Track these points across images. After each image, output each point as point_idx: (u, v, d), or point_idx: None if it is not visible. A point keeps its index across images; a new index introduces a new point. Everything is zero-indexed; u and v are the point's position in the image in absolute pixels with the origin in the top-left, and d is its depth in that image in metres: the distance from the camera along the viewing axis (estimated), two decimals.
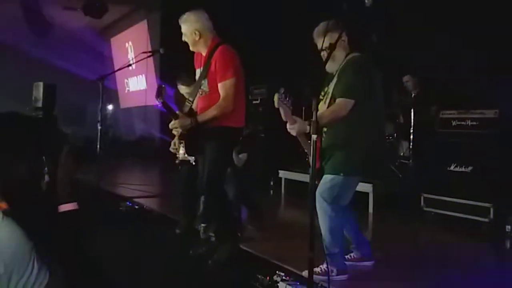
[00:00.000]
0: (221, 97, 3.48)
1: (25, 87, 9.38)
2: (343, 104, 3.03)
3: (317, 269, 3.04)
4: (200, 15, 3.60)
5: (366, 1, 2.68)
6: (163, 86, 3.64)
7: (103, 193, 6.23)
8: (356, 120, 3.06)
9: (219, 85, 3.49)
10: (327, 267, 2.98)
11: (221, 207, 3.65)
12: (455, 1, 5.86)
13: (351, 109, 3.03)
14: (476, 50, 5.51)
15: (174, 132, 3.62)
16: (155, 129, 11.66)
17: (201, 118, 3.51)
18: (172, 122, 3.58)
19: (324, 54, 3.14)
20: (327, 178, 3.08)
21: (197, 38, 3.57)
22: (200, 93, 3.62)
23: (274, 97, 2.66)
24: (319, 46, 3.17)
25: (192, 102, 3.64)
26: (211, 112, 3.49)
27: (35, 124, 1.53)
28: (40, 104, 8.91)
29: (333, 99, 3.12)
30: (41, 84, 9.02)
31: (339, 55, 3.18)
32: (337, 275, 3.13)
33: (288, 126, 2.91)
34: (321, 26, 3.16)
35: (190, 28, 3.57)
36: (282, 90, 2.73)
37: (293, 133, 2.93)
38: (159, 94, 3.53)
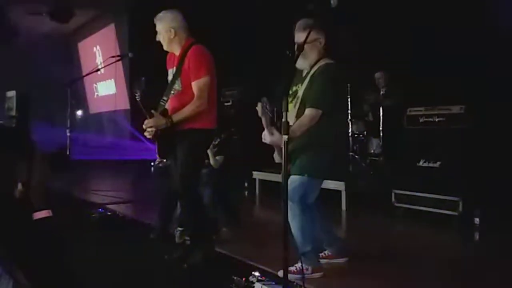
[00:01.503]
0: (195, 96, 3.47)
1: None
2: (313, 115, 3.11)
3: (292, 268, 3.07)
4: (176, 14, 3.62)
5: (331, 2, 2.73)
6: (142, 78, 3.61)
7: (76, 200, 6.14)
8: (321, 124, 3.13)
9: (193, 84, 3.48)
10: (301, 266, 3.01)
11: (195, 209, 3.64)
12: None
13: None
14: (442, 47, 5.66)
15: (147, 132, 3.56)
16: (125, 133, 11.54)
17: (176, 117, 3.48)
18: (147, 121, 3.53)
19: (297, 49, 3.17)
20: (292, 179, 3.13)
21: (172, 36, 3.57)
22: (173, 92, 3.59)
23: (258, 105, 2.80)
24: (296, 39, 3.21)
25: (166, 102, 3.60)
26: (186, 111, 3.47)
27: (6, 133, 1.51)
28: (13, 113, 8.77)
29: (302, 104, 3.18)
30: (13, 92, 8.89)
31: (312, 54, 3.22)
32: (311, 273, 3.17)
33: (263, 134, 3.05)
34: (303, 20, 3.21)
35: (166, 26, 3.57)
36: (264, 99, 2.88)
37: (266, 141, 3.09)
38: (137, 86, 3.51)
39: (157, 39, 3.65)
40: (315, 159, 3.17)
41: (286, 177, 2.63)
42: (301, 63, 3.23)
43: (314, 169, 3.17)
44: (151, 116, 3.49)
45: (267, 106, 2.86)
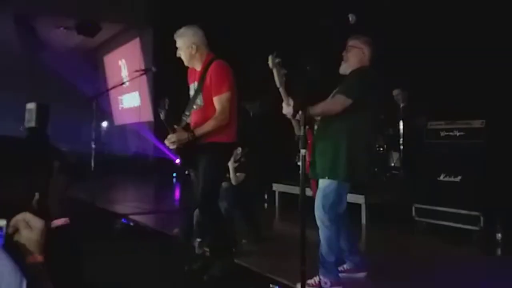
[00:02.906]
0: (217, 111, 3.51)
1: (19, 105, 9.44)
2: (341, 100, 3.11)
3: (310, 281, 3.09)
4: (197, 30, 3.68)
5: (350, 19, 2.80)
6: (166, 99, 3.70)
7: (98, 210, 6.27)
8: (351, 126, 3.14)
9: (215, 99, 3.53)
10: (320, 279, 3.03)
11: (215, 222, 3.67)
12: (443, 16, 6.00)
13: (346, 114, 3.10)
14: (463, 62, 5.64)
15: (170, 144, 3.65)
16: (149, 145, 11.72)
17: (198, 131, 3.53)
18: (170, 136, 3.60)
19: (345, 54, 3.33)
20: (323, 185, 3.15)
21: (193, 52, 3.63)
22: (195, 107, 3.66)
23: (269, 59, 2.81)
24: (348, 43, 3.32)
25: (188, 116, 3.68)
26: (208, 125, 3.52)
27: (24, 145, 1.58)
28: (33, 124, 8.98)
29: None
30: (33, 104, 9.10)
31: (353, 60, 3.29)
32: (330, 286, 3.17)
33: (283, 105, 3.12)
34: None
35: (187, 42, 3.63)
36: (275, 53, 2.87)
37: (285, 112, 3.14)
38: (161, 106, 3.62)
39: (178, 55, 3.71)
40: (348, 162, 3.13)
41: (304, 184, 2.67)
42: (343, 68, 3.33)
43: (349, 173, 3.14)
44: (174, 131, 3.58)
45: (278, 60, 2.86)
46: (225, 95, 3.52)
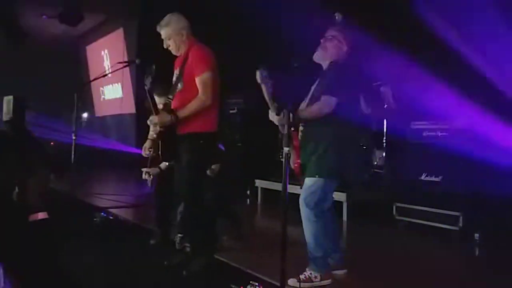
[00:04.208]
0: (200, 91, 3.44)
1: None
2: (327, 101, 3.09)
3: (301, 276, 3.11)
4: (181, 16, 3.62)
5: (336, 17, 2.79)
6: (153, 66, 3.53)
7: (78, 203, 6.18)
8: (337, 124, 3.12)
9: (197, 79, 3.46)
10: (310, 274, 3.15)
11: (199, 215, 3.62)
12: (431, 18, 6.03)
13: (333, 114, 3.08)
14: (446, 63, 5.68)
15: (151, 130, 3.56)
16: (131, 138, 11.59)
17: (181, 113, 3.45)
18: (152, 117, 3.53)
19: (323, 42, 3.26)
20: (308, 182, 3.14)
21: (183, 38, 3.57)
22: (176, 91, 3.58)
23: (256, 73, 2.75)
24: (326, 34, 3.26)
25: (171, 100, 3.59)
26: (191, 106, 3.44)
27: (4, 137, 1.54)
28: (8, 118, 8.86)
29: (314, 98, 3.19)
30: (11, 98, 8.97)
31: (332, 52, 3.25)
32: (320, 280, 3.20)
33: (269, 113, 3.04)
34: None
35: (176, 28, 3.56)
36: (263, 67, 2.81)
37: (273, 120, 3.07)
38: (148, 72, 3.47)
39: (166, 46, 3.63)
40: (334, 160, 3.14)
41: (286, 187, 2.66)
42: (319, 56, 3.27)
43: (334, 171, 3.15)
44: (157, 112, 3.49)
45: (267, 76, 2.79)
46: (206, 75, 3.44)
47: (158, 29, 3.64)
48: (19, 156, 1.53)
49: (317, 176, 3.14)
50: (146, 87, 3.56)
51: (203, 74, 3.45)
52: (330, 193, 3.28)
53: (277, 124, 3.09)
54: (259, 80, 2.81)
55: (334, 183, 3.27)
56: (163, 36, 3.64)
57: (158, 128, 3.56)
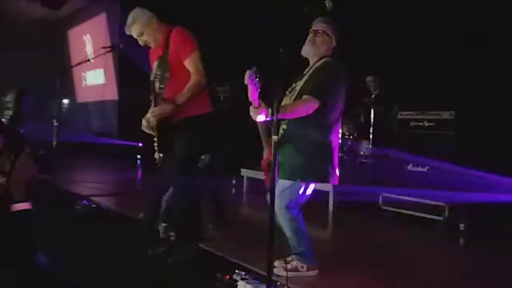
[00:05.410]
0: (192, 72, 3.41)
1: None
2: (309, 101, 3.01)
3: (288, 266, 3.08)
4: (141, 8, 3.58)
5: (327, 5, 2.72)
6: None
7: (59, 191, 6.06)
8: (315, 126, 3.06)
9: (186, 61, 3.42)
10: (297, 264, 3.14)
11: (187, 201, 3.56)
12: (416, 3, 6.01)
13: (314, 114, 3.01)
14: (434, 53, 5.68)
15: (151, 119, 3.43)
16: (113, 124, 11.42)
17: (179, 100, 3.38)
18: (152, 109, 3.43)
19: (312, 36, 3.17)
20: (281, 184, 3.09)
21: (156, 26, 3.52)
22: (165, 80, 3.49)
23: (245, 73, 2.63)
24: (314, 27, 3.17)
25: (164, 89, 3.48)
26: (188, 90, 3.39)
27: None
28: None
29: (299, 96, 3.11)
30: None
31: (321, 47, 3.17)
32: (307, 271, 3.19)
33: (251, 109, 2.84)
34: (326, 18, 3.17)
35: (145, 20, 3.51)
36: (254, 68, 2.69)
37: (254, 117, 2.88)
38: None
39: (143, 43, 3.58)
40: (307, 162, 3.09)
41: (275, 174, 2.58)
42: (307, 51, 3.19)
43: (307, 173, 3.10)
44: (156, 103, 3.41)
45: (256, 77, 2.65)
46: (194, 54, 3.43)
47: (126, 31, 3.58)
48: (6, 146, 1.46)
49: (291, 178, 3.09)
50: (151, 79, 3.51)
51: (191, 54, 3.42)
52: (304, 192, 3.20)
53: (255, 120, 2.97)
54: (246, 81, 2.72)
55: (309, 183, 3.20)
56: (135, 35, 3.58)
57: (154, 121, 3.44)
